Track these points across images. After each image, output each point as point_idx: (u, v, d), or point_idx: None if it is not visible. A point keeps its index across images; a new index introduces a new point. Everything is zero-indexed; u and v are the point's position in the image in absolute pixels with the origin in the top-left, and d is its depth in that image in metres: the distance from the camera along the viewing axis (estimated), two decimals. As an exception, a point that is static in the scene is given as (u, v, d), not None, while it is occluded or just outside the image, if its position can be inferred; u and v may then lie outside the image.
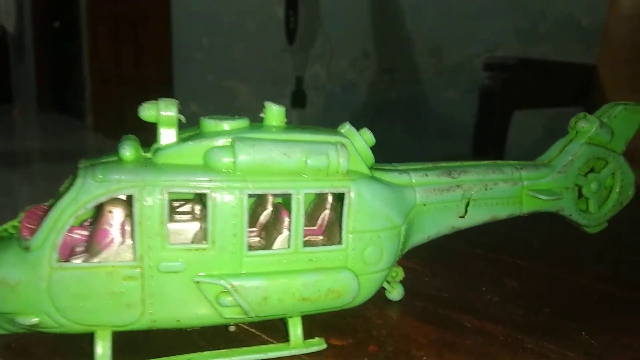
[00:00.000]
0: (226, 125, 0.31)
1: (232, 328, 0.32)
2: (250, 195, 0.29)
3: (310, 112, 2.70)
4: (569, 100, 1.80)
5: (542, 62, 1.70)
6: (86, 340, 0.31)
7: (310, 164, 0.30)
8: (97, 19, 4.10)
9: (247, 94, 3.16)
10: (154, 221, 0.28)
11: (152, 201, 0.28)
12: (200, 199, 0.35)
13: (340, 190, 0.31)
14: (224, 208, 0.29)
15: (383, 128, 2.50)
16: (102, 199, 0.28)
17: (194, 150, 0.30)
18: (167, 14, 3.63)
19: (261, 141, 0.30)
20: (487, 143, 1.33)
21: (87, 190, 0.28)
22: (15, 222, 0.31)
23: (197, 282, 0.29)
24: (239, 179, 0.29)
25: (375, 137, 0.35)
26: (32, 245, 0.28)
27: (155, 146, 0.30)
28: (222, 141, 0.30)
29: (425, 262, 0.45)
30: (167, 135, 0.30)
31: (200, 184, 0.29)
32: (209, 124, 0.31)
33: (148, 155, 0.30)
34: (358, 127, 0.34)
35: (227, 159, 0.29)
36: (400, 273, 0.39)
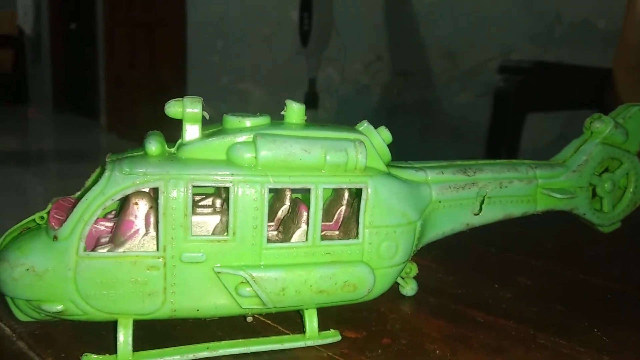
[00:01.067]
0: (248, 122, 0.32)
1: (249, 319, 0.33)
2: (270, 190, 0.30)
3: (323, 114, 2.71)
4: (583, 103, 1.79)
5: (557, 65, 1.69)
6: (108, 328, 0.32)
7: (329, 160, 0.31)
8: (113, 22, 4.15)
9: (261, 96, 3.18)
10: (178, 213, 0.29)
11: (176, 194, 0.29)
12: (221, 193, 0.36)
13: (358, 186, 0.32)
14: (245, 201, 0.30)
15: (396, 131, 2.51)
16: (129, 191, 0.29)
17: (217, 146, 0.31)
18: (182, 18, 3.66)
19: (282, 137, 0.31)
20: (501, 146, 1.33)
21: (114, 182, 0.29)
22: (42, 213, 0.32)
23: (218, 272, 0.30)
24: (260, 173, 0.30)
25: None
26: (60, 235, 0.29)
27: (179, 141, 0.31)
28: (244, 137, 0.31)
29: (438, 260, 0.45)
30: (192, 131, 0.31)
31: (223, 177, 0.30)
32: (232, 120, 0.32)
33: (172, 150, 0.31)
34: None
35: (249, 154, 0.30)
36: (414, 269, 0.40)
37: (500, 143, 1.34)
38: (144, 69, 3.96)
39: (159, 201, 0.29)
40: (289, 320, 0.35)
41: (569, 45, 2.09)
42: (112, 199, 0.29)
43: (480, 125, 2.22)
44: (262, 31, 3.15)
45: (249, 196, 0.30)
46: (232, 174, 0.30)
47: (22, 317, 0.32)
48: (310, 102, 2.50)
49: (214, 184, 0.30)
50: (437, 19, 2.49)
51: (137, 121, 3.94)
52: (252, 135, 0.31)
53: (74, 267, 0.29)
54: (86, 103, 4.60)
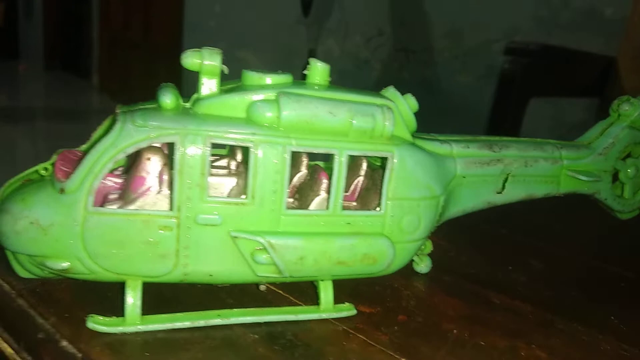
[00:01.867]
0: (269, 79, 0.30)
1: (262, 287, 0.32)
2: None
3: (321, 87, 2.67)
4: (585, 90, 1.78)
5: (562, 50, 1.67)
6: (113, 289, 0.31)
7: (355, 124, 0.29)
8: (109, -21, 4.03)
9: (259, 64, 3.13)
10: (195, 171, 0.27)
11: (194, 150, 0.27)
12: (235, 154, 0.34)
13: (383, 154, 0.30)
14: (266, 163, 0.28)
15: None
16: (142, 145, 0.27)
17: (237, 102, 0.29)
18: (180, -21, 3.57)
19: (307, 97, 0.29)
20: (501, 129, 1.32)
21: (127, 135, 0.27)
22: (46, 165, 0.30)
23: (234, 237, 0.28)
24: (282, 134, 0.28)
25: None
26: (68, 187, 0.27)
27: (195, 96, 0.29)
28: (266, 95, 0.29)
29: (449, 239, 0.44)
30: (209, 85, 0.29)
31: (243, 136, 0.28)
32: (252, 76, 0.30)
33: (187, 105, 0.29)
34: None
35: (270, 113, 0.28)
36: (429, 246, 0.39)
37: (501, 126, 1.32)
38: (138, 30, 3.88)
39: (174, 157, 0.27)
40: (301, 291, 0.33)
41: (575, 31, 2.07)
42: (125, 152, 0.27)
43: (480, 106, 2.21)
44: (262, -2, 3.09)
45: (270, 158, 0.28)
46: (254, 133, 0.28)
47: (22, 274, 0.30)
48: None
49: (233, 143, 0.28)
50: (442, -4, 2.44)
51: (130, 83, 3.88)
52: (274, 94, 0.29)
53: (82, 223, 0.27)
54: (78, 62, 4.52)
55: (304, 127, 0.29)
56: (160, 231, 0.28)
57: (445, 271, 0.39)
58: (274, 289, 0.33)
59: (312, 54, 2.47)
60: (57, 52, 4.56)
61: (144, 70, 3.81)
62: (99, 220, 0.27)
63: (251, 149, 0.28)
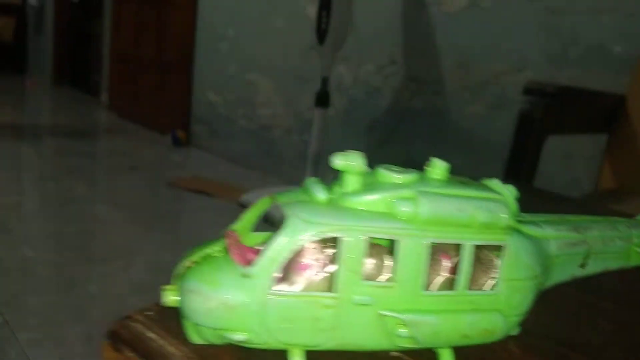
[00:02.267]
0: (402, 177, 0.36)
1: (394, 353, 0.37)
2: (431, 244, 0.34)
3: (332, 113, 2.73)
4: (594, 127, 1.85)
5: (574, 88, 1.74)
6: (267, 354, 0.36)
7: (478, 219, 0.35)
8: (122, -2, 4.10)
9: (269, 88, 3.20)
10: (355, 261, 0.33)
11: (354, 243, 0.33)
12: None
13: (499, 244, 0.36)
14: (408, 253, 0.34)
15: (404, 136, 2.55)
16: (314, 239, 0.33)
17: (379, 200, 0.34)
18: (193, 0, 3.64)
19: (440, 196, 0.35)
20: (521, 165, 1.38)
21: (300, 230, 0.32)
22: (216, 246, 0.36)
23: (381, 314, 0.34)
24: (420, 228, 0.34)
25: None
26: (252, 273, 0.32)
27: (341, 190, 0.35)
28: (403, 193, 0.35)
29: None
30: (352, 182, 0.35)
31: (392, 230, 0.33)
32: (385, 174, 0.36)
33: (334, 197, 0.35)
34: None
35: (410, 210, 0.34)
36: (515, 310, 0.44)
37: (520, 162, 1.39)
38: (149, 49, 3.94)
39: (337, 248, 0.33)
40: (418, 354, 0.39)
41: (583, 67, 2.14)
42: (299, 245, 0.32)
43: (490, 135, 2.28)
44: (275, 23, 3.17)
45: (412, 248, 0.34)
46: (399, 228, 0.34)
47: (196, 340, 0.35)
48: (321, 100, 2.52)
49: (383, 236, 0.34)
50: (454, 29, 2.53)
51: (138, 101, 3.92)
52: (412, 192, 0.35)
53: (263, 303, 0.32)
54: (87, 78, 4.56)
55: (438, 222, 0.34)
56: (323, 310, 0.33)
57: (531, 334, 0.44)
58: (400, 355, 0.39)
59: (325, 80, 2.54)
60: (66, 69, 4.62)
61: (154, 89, 3.87)
62: (277, 301, 0.32)
63: (397, 241, 0.34)
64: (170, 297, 0.35)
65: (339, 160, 0.35)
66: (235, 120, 3.34)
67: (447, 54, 2.46)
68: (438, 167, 0.37)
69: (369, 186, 0.35)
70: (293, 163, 3.11)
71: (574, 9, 2.07)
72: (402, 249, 0.34)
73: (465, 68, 2.39)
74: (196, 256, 0.36)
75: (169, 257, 1.86)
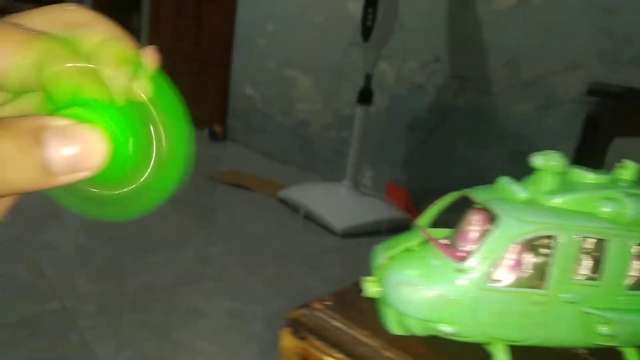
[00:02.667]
0: (595, 177, 0.36)
1: (582, 351, 0.38)
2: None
3: (373, 110, 2.73)
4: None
5: (636, 90, 1.72)
6: (460, 346, 0.36)
7: (678, 220, 0.35)
8: (163, -7, 4.12)
9: (307, 84, 3.21)
10: (569, 260, 0.33)
11: (569, 242, 0.33)
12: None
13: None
14: (616, 253, 0.34)
15: (447, 135, 2.54)
16: (529, 237, 0.33)
17: (583, 199, 0.35)
18: (233, -5, 3.64)
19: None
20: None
21: (514, 228, 0.33)
22: (415, 242, 0.36)
23: (586, 312, 0.34)
24: (626, 228, 0.34)
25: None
26: (468, 269, 0.33)
27: (542, 189, 0.35)
28: (606, 193, 0.35)
29: None
30: (549, 182, 0.35)
31: (602, 230, 0.34)
32: (578, 173, 0.36)
33: (534, 196, 0.35)
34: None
35: (614, 211, 0.34)
36: None
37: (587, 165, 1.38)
38: (187, 43, 3.97)
39: (553, 247, 0.33)
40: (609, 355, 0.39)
41: (638, 67, 2.11)
42: (515, 243, 0.33)
43: (538, 135, 2.26)
44: (315, 19, 3.17)
45: (619, 248, 0.34)
46: (608, 228, 0.34)
47: (396, 331, 0.36)
48: (364, 97, 2.52)
49: (593, 236, 0.34)
50: (502, 26, 2.51)
51: (177, 96, 3.96)
52: (615, 193, 0.35)
53: (477, 297, 0.33)
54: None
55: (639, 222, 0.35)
56: (532, 306, 0.34)
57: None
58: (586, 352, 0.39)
59: (369, 77, 2.55)
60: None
61: (191, 84, 3.90)
62: (489, 296, 0.33)
63: (606, 241, 0.34)
64: (372, 289, 0.36)
65: (539, 160, 0.35)
66: (272, 116, 3.36)
67: (494, 52, 2.44)
68: (630, 168, 0.37)
69: (566, 185, 0.36)
70: (329, 159, 3.12)
71: (628, 8, 2.04)
72: (611, 249, 0.34)
73: (512, 67, 2.37)
74: (395, 250, 0.36)
75: (214, 250, 1.88)
